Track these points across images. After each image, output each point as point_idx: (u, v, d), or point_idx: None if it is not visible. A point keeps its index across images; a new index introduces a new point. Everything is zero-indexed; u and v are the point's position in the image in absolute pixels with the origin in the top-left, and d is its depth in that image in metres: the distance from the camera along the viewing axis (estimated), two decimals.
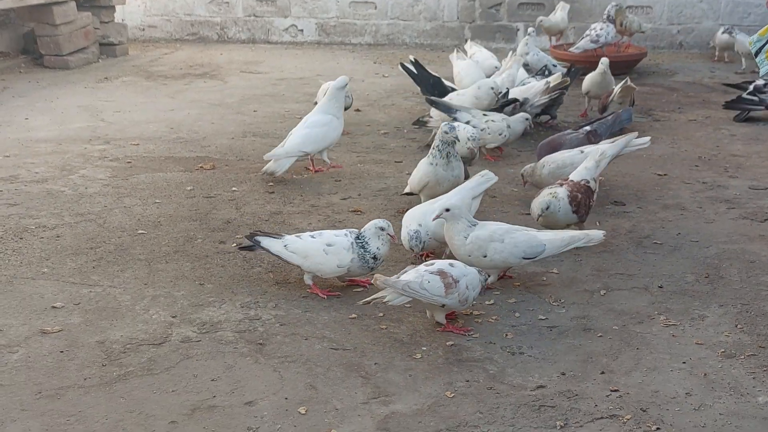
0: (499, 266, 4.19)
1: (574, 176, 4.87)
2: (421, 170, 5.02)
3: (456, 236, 4.12)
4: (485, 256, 4.11)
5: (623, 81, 7.21)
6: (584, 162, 5.00)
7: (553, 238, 4.20)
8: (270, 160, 5.75)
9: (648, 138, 5.57)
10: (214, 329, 3.81)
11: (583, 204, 4.70)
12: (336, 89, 5.98)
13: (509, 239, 4.13)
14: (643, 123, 7.42)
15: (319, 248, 4.11)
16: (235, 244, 4.66)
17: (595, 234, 4.24)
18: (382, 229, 4.08)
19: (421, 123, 6.69)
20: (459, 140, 5.23)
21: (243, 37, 11.53)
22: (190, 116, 7.58)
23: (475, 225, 4.16)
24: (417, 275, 3.71)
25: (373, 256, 4.09)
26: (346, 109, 6.28)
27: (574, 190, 4.69)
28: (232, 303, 4.06)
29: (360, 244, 4.09)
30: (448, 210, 4.11)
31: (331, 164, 6.05)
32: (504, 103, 6.67)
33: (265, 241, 4.20)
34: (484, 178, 4.72)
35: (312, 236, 4.19)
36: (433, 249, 4.55)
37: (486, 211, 5.20)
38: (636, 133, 5.60)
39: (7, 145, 6.58)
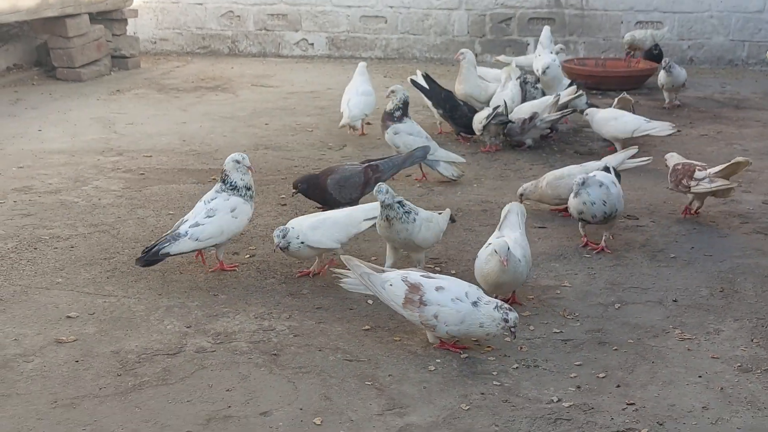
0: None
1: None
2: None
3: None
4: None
5: (620, 94, 7.29)
6: None
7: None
8: (348, 122, 7.17)
9: (648, 158, 5.70)
10: (228, 340, 3.81)
11: None
12: (364, 68, 7.58)
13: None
14: (655, 138, 7.41)
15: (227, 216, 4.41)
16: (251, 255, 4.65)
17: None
18: (238, 162, 4.44)
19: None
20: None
21: (254, 51, 11.57)
22: (202, 129, 7.61)
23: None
24: (393, 275, 3.72)
25: (247, 188, 4.47)
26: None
27: None
28: (246, 314, 4.07)
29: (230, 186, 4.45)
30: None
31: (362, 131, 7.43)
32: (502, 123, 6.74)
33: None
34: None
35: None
36: (305, 257, 4.45)
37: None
38: (636, 148, 5.70)
39: (20, 157, 6.61)
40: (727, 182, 5.25)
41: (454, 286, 3.68)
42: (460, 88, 7.51)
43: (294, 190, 5.19)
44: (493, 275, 3.94)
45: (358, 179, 5.14)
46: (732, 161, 5.31)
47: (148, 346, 3.75)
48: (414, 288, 3.64)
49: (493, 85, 7.72)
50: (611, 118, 6.75)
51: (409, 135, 6.08)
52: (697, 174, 5.27)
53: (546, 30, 8.68)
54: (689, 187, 5.31)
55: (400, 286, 3.66)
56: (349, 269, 3.82)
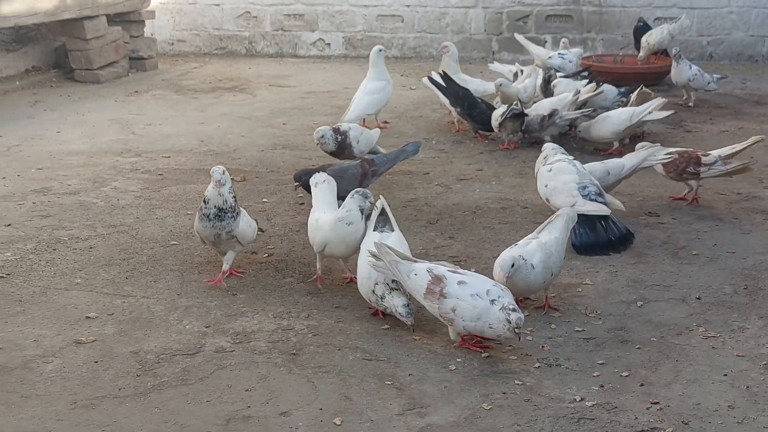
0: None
1: None
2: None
3: None
4: None
5: (638, 88, 7.22)
6: None
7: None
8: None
9: (669, 156, 5.50)
10: (247, 339, 3.79)
11: None
12: (376, 56, 7.33)
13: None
14: (675, 134, 7.36)
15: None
16: (266, 254, 4.64)
17: None
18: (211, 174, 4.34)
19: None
20: None
21: (271, 51, 11.57)
22: (220, 129, 7.61)
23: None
24: (420, 266, 3.72)
25: (204, 200, 4.32)
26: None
27: None
28: (264, 313, 4.05)
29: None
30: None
31: (381, 123, 7.35)
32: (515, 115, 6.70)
33: None
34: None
35: None
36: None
37: (518, 222, 5.17)
38: (658, 146, 5.57)
39: (39, 158, 6.63)
40: (744, 161, 5.38)
41: (477, 282, 3.65)
42: None
43: (296, 183, 5.16)
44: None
45: (356, 170, 5.26)
46: (749, 141, 5.43)
47: (167, 346, 3.74)
48: (437, 279, 3.63)
49: (475, 81, 7.79)
50: (603, 117, 6.71)
51: (361, 134, 6.06)
52: (705, 159, 5.35)
53: (578, 51, 8.85)
54: (698, 173, 5.38)
55: (424, 276, 3.66)
56: (377, 253, 3.81)
